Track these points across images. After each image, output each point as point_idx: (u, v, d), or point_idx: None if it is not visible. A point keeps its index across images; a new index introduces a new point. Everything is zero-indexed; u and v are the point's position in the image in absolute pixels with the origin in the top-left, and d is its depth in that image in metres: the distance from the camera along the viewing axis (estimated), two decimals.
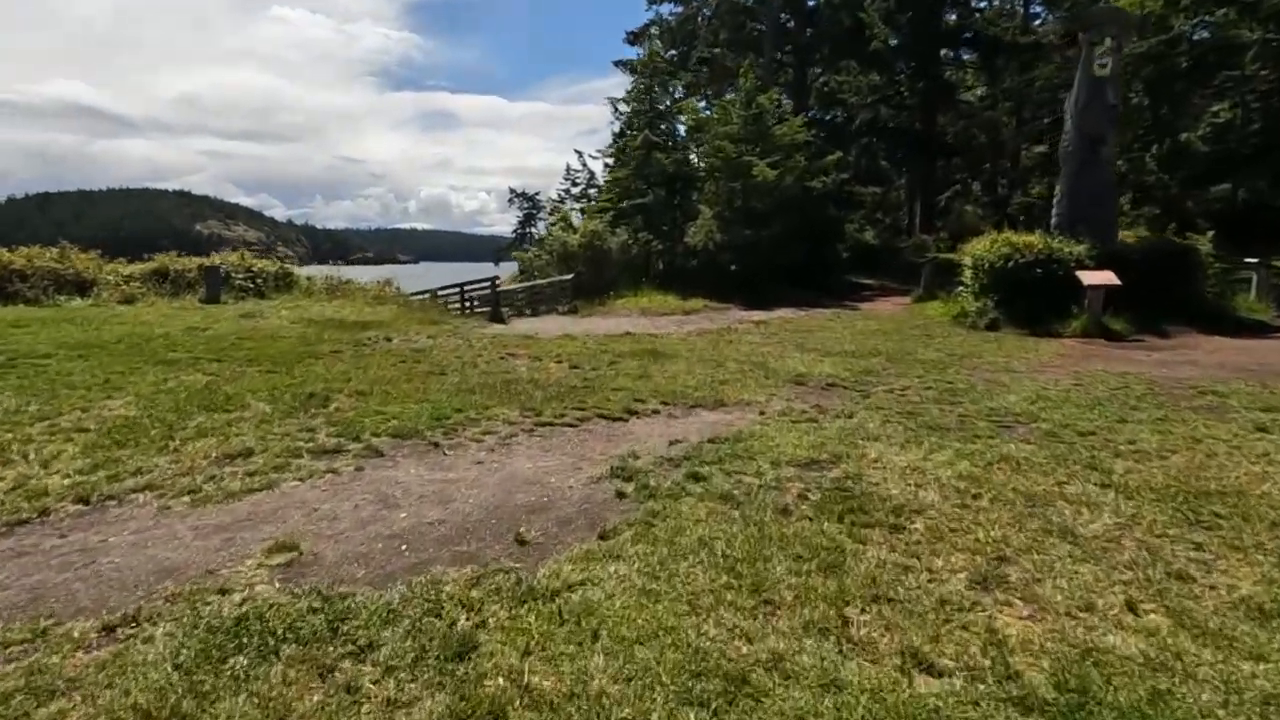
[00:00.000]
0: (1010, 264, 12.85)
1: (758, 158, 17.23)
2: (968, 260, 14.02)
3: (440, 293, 18.36)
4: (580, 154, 19.43)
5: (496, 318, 14.95)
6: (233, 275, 14.09)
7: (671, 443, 5.21)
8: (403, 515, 3.82)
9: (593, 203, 21.06)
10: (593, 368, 8.24)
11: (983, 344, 10.86)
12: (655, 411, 6.25)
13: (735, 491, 4.00)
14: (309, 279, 15.89)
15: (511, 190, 19.51)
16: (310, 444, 5.03)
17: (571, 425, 5.78)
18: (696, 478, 4.25)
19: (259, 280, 14.44)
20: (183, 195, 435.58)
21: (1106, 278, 12.29)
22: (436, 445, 5.12)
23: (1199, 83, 28.22)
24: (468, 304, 17.56)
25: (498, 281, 15.84)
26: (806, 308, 16.12)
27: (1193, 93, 28.90)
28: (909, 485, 4.15)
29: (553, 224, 19.74)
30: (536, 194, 20.69)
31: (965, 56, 39.38)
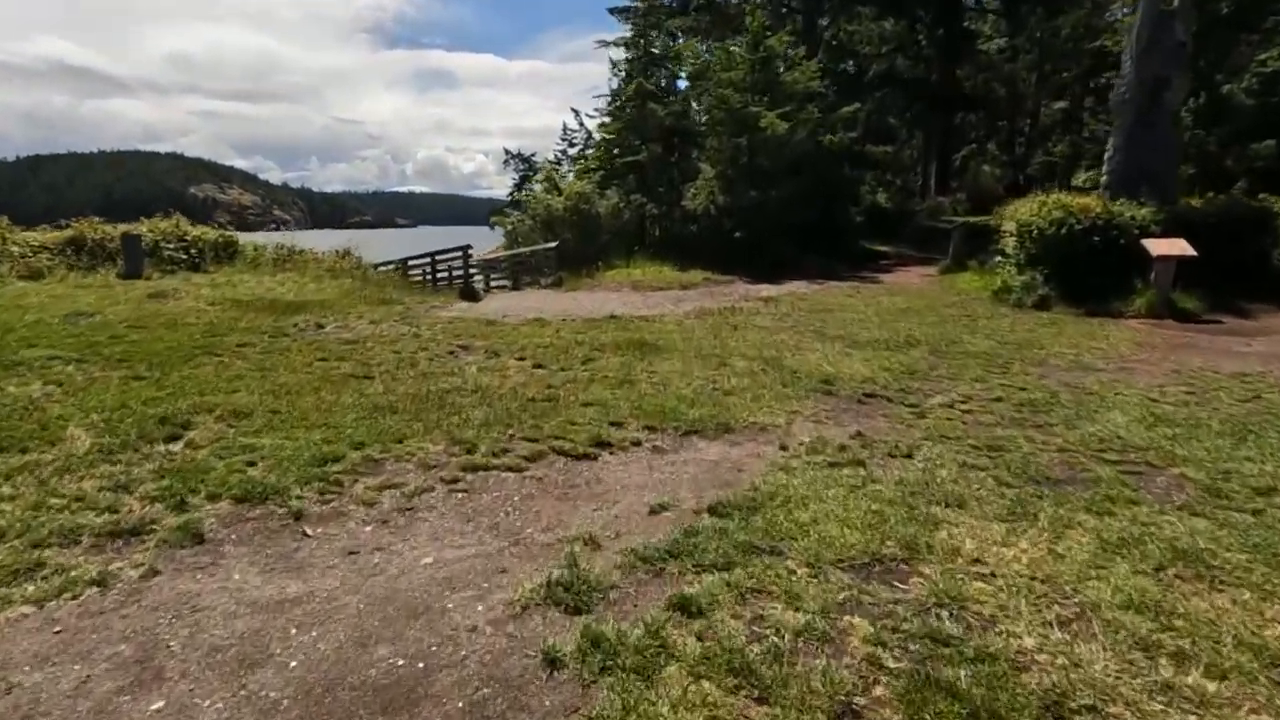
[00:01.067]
0: (1063, 230, 10.95)
1: (766, 108, 15.16)
2: (1009, 226, 12.12)
3: (411, 263, 16.50)
4: (577, 113, 17.83)
5: (468, 294, 13.12)
6: (162, 245, 12.22)
7: (653, 510, 3.49)
8: (155, 708, 2.11)
9: (582, 159, 18.99)
10: (562, 368, 6.49)
11: (1038, 328, 9.06)
12: (635, 443, 4.52)
13: (755, 655, 2.26)
14: (257, 249, 14.00)
15: (507, 151, 18.00)
16: (104, 517, 3.31)
17: (514, 470, 4.05)
18: (688, 610, 2.52)
19: (194, 250, 12.57)
20: (176, 158, 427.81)
21: (1179, 247, 10.41)
22: (298, 518, 3.40)
23: (1244, 28, 25.76)
24: (440, 276, 15.71)
25: (470, 251, 13.93)
26: (821, 280, 14.26)
27: (1236, 40, 26.44)
28: (1053, 633, 2.41)
29: (537, 185, 17.71)
30: (532, 155, 18.54)
31: (985, 2, 36.61)
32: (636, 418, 4.96)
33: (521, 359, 6.85)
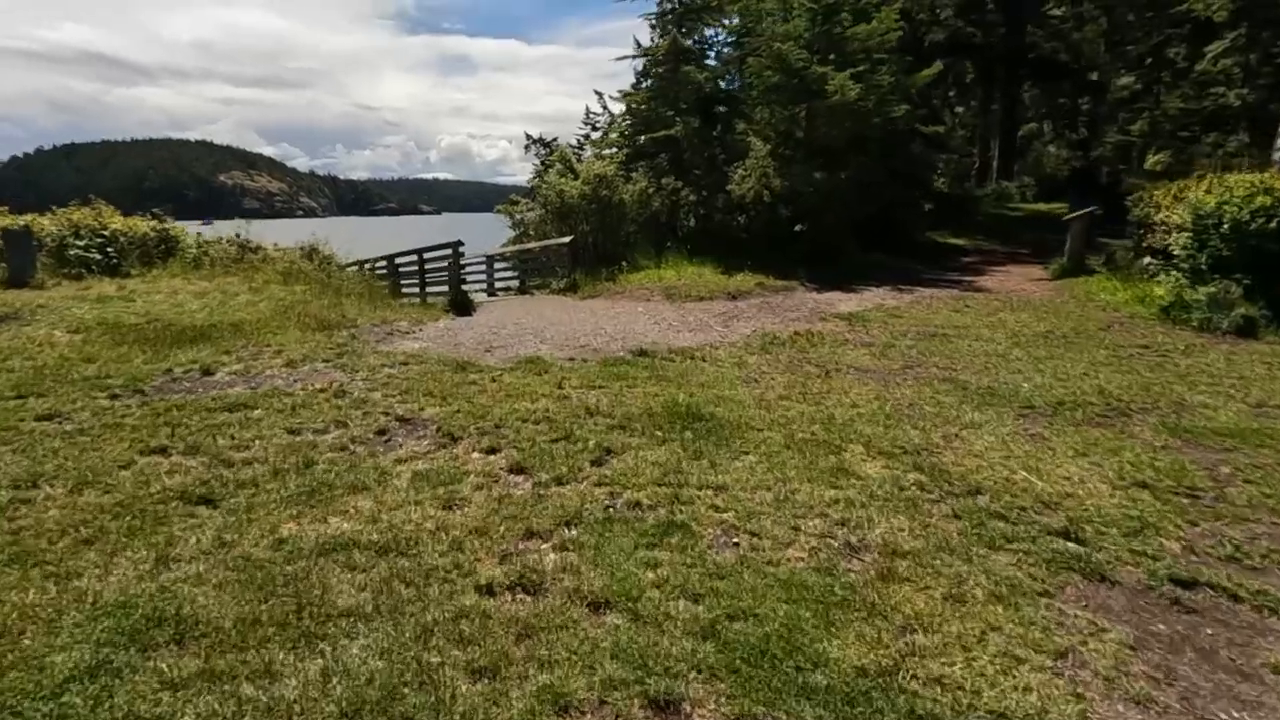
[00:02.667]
0: (1275, 224, 7.81)
1: (832, 69, 12.09)
2: (1179, 217, 8.96)
3: (400, 262, 13.78)
4: (600, 95, 15.28)
5: (459, 305, 10.35)
6: (70, 242, 9.61)
7: None
8: None
9: (604, 139, 15.99)
10: (558, 478, 3.67)
11: None
12: None
13: None
14: (203, 245, 11.37)
15: (528, 136, 15.44)
16: None
17: None
18: None
19: (113, 248, 9.95)
20: (205, 145, 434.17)
21: None
22: None
23: None
24: (435, 277, 12.97)
25: (462, 249, 11.15)
26: (903, 286, 11.22)
27: None
28: None
29: (550, 168, 14.80)
30: (554, 139, 15.67)
31: None
32: (712, 677, 2.13)
33: (492, 451, 4.04)
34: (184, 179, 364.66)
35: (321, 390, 5.09)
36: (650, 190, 13.28)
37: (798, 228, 12.13)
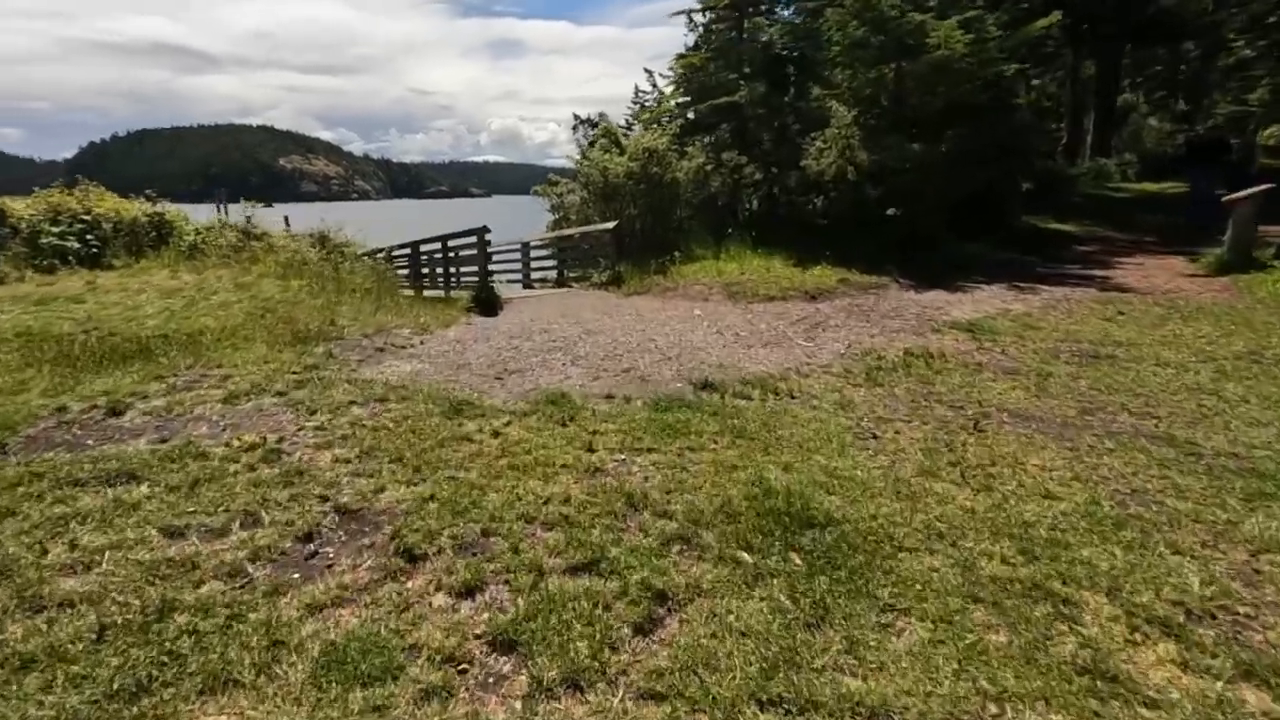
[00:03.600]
0: None
1: (932, 17, 9.96)
2: None
3: (425, 250, 12.33)
4: (650, 73, 13.65)
5: (484, 302, 8.81)
6: (44, 230, 8.43)
7: None
8: None
9: (658, 108, 14.11)
10: (567, 665, 1.99)
11: None
12: None
13: None
14: (202, 233, 10.11)
15: (576, 116, 13.92)
16: None
17: None
18: None
19: (95, 235, 8.74)
20: (266, 130, 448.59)
21: None
22: None
23: None
24: (456, 271, 11.47)
25: (489, 236, 9.58)
26: (1023, 283, 9.13)
27: None
28: None
29: (593, 145, 13.07)
30: (602, 115, 13.79)
31: None
32: None
33: (468, 593, 2.41)
34: (247, 164, 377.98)
35: (250, 448, 3.55)
36: (708, 167, 11.44)
37: (890, 211, 10.11)
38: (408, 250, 12.59)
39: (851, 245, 9.85)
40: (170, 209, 10.16)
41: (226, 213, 37.94)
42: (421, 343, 6.31)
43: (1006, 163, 12.72)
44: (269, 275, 8.43)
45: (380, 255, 11.63)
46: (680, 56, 12.86)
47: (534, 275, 12.95)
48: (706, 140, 11.88)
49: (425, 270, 12.03)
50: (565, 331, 6.91)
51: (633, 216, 11.63)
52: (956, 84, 10.51)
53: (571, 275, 11.92)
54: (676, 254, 10.37)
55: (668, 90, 14.24)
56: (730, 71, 11.91)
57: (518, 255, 13.31)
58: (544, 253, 13.21)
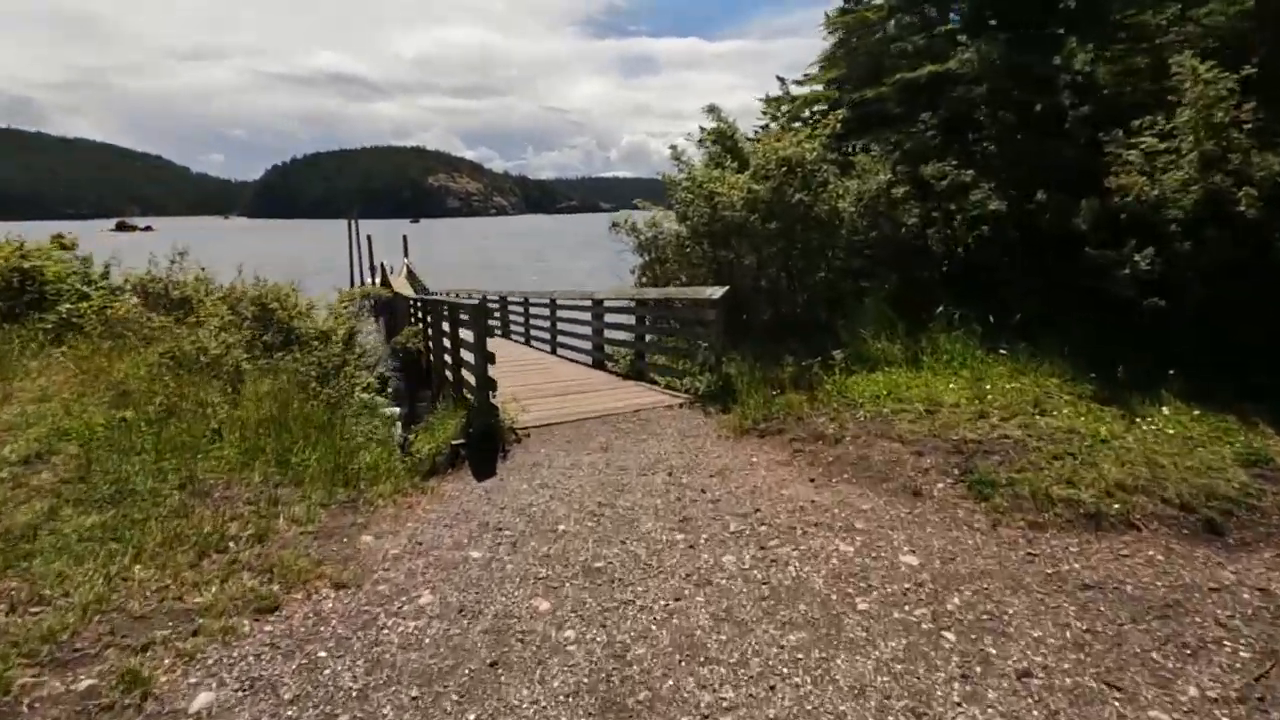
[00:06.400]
0: None
1: None
2: None
3: (438, 304, 8.33)
4: (782, 80, 9.94)
5: (480, 442, 4.59)
6: None
7: None
8: None
9: (791, 105, 9.15)
10: None
11: None
12: None
13: None
14: (98, 295, 6.65)
15: (702, 130, 10.27)
16: None
17: None
18: None
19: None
20: (417, 151, 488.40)
21: None
22: None
23: None
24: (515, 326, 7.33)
25: (492, 317, 5.29)
26: None
27: None
28: None
29: (696, 158, 8.48)
30: (712, 107, 9.38)
31: None
32: None
33: None
34: (400, 182, 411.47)
35: None
36: (896, 190, 6.55)
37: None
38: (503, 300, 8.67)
39: (1237, 356, 4.57)
40: (57, 257, 6.83)
41: (358, 229, 36.84)
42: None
43: None
44: (134, 388, 4.69)
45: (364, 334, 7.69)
46: (843, 9, 7.97)
47: (609, 348, 8.62)
48: (888, 145, 6.95)
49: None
50: (618, 615, 2.43)
51: (756, 270, 6.95)
52: None
53: (654, 362, 7.44)
54: (838, 353, 5.52)
55: (814, 74, 9.38)
56: (928, 29, 6.92)
57: (587, 315, 9.08)
58: (624, 316, 8.81)
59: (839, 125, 6.63)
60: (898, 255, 6.58)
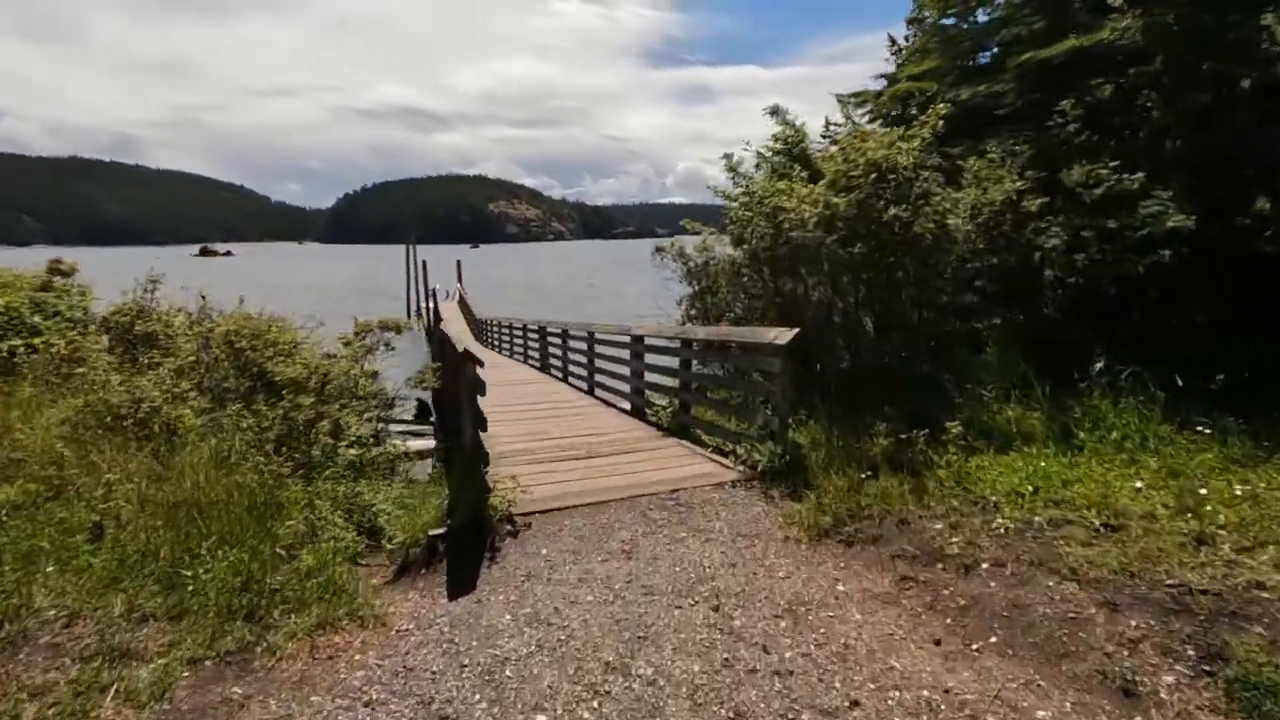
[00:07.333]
0: None
1: None
2: None
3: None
4: (844, 102, 8.51)
5: (466, 535, 3.33)
6: None
7: None
8: None
9: (877, 103, 7.61)
10: None
11: None
12: None
13: None
14: (101, 325, 5.76)
15: (759, 154, 8.91)
16: None
17: None
18: None
19: None
20: (480, 179, 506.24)
21: None
22: None
23: None
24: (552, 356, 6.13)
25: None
26: None
27: None
28: None
29: (757, 173, 7.11)
30: (776, 108, 7.66)
31: None
32: None
33: None
34: (463, 209, 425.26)
35: None
36: (1028, 203, 5.00)
37: None
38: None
39: None
40: (45, 285, 5.99)
41: (416, 254, 36.83)
42: None
43: None
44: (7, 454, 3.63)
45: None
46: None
47: (650, 393, 7.26)
48: (1008, 147, 5.38)
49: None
50: None
51: (829, 305, 5.50)
52: None
53: (701, 418, 6.02)
54: (951, 425, 3.99)
55: (864, 123, 7.91)
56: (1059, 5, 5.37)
57: (625, 353, 7.79)
58: (667, 358, 7.40)
59: (941, 123, 5.17)
60: (1028, 287, 5.01)
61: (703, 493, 4.44)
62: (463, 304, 30.01)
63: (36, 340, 5.54)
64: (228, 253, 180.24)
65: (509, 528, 3.99)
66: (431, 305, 32.03)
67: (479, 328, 21.49)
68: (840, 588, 3.15)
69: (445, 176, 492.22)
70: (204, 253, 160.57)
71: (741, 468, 4.75)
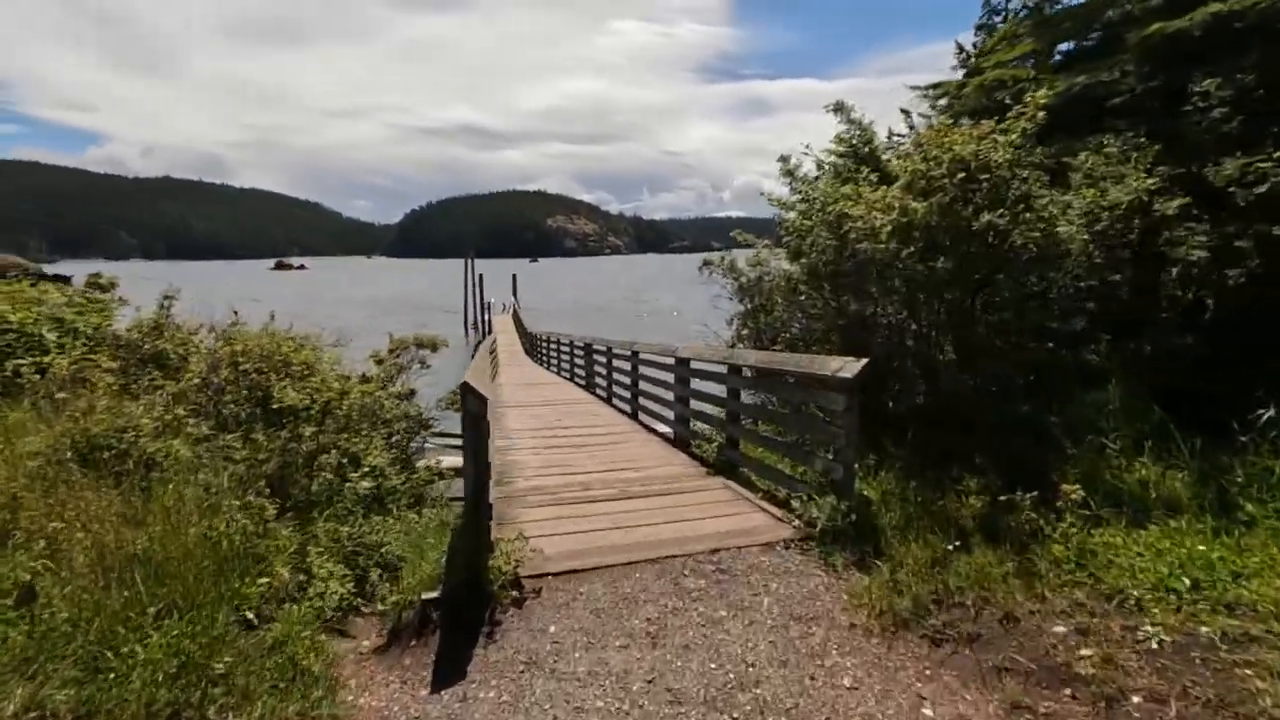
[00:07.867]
0: None
1: None
2: None
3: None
4: (907, 114, 7.69)
5: (459, 613, 2.68)
6: None
7: None
8: None
9: (958, 96, 6.74)
10: None
11: None
12: None
13: None
14: (113, 344, 5.52)
15: (819, 164, 8.23)
16: None
17: None
18: None
19: None
20: (539, 195, 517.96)
21: None
22: None
23: None
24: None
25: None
26: None
27: None
28: None
29: (819, 176, 6.33)
30: (839, 105, 6.80)
31: None
32: None
33: None
34: (522, 224, 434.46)
35: None
36: (1164, 207, 4.06)
37: None
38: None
39: None
40: (58, 300, 5.80)
41: (474, 268, 37.24)
42: None
43: None
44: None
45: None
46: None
47: (694, 419, 6.54)
48: (1133, 139, 4.44)
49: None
50: None
51: (902, 328, 4.68)
52: None
53: (749, 454, 5.26)
54: (1070, 489, 3.13)
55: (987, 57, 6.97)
56: None
57: (670, 375, 7.11)
58: (715, 385, 6.65)
59: (1041, 113, 4.30)
60: (1158, 310, 4.07)
61: (749, 555, 3.70)
62: (516, 318, 29.93)
63: (47, 360, 5.29)
64: (301, 266, 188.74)
65: (514, 594, 3.35)
66: (486, 318, 32.12)
67: (530, 342, 21.20)
68: (927, 712, 2.37)
69: (506, 192, 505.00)
70: (279, 266, 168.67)
71: (797, 523, 3.98)
